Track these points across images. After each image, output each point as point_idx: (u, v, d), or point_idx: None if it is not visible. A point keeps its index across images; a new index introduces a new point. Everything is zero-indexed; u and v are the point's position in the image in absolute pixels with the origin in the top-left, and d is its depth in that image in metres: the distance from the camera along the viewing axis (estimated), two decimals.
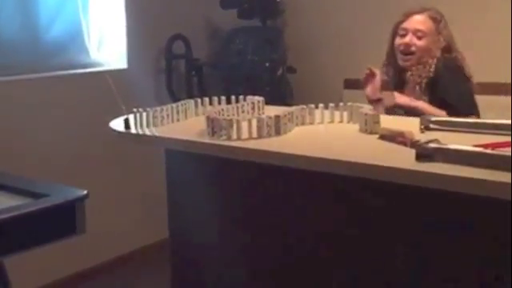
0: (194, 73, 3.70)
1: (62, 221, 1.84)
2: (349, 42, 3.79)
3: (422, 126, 1.82)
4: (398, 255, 1.68)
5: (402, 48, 2.49)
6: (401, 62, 2.52)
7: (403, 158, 1.54)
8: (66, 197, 1.87)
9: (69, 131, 3.15)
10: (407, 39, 2.46)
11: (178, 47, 3.63)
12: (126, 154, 3.24)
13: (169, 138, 1.91)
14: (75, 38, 3.32)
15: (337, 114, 2.08)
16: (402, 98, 2.39)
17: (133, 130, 1.99)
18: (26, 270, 2.28)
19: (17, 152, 2.89)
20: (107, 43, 3.46)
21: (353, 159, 1.55)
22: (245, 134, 1.82)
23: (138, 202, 3.46)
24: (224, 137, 1.81)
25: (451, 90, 2.42)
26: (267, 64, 3.60)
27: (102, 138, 3.16)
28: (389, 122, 1.88)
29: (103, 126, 3.03)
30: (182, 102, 2.17)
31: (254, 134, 1.82)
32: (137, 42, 3.47)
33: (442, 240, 1.59)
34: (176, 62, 3.67)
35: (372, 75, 2.46)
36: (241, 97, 2.21)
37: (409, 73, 2.49)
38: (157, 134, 1.95)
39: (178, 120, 2.11)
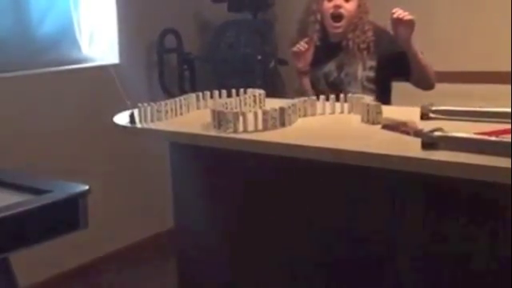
0: (185, 67, 3.71)
1: (65, 216, 1.85)
2: None
3: (426, 115, 1.87)
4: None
5: (332, 11, 2.51)
6: (331, 30, 2.54)
7: (409, 147, 1.59)
8: (68, 192, 1.88)
9: (63, 127, 3.14)
10: (337, 1, 2.50)
11: (170, 41, 3.63)
12: (123, 148, 3.25)
13: (177, 132, 1.94)
14: (67, 34, 3.31)
15: (337, 105, 2.12)
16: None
17: (138, 125, 2.00)
18: (28, 263, 2.28)
19: (12, 149, 2.89)
20: (99, 38, 3.46)
21: (361, 149, 1.58)
22: (250, 127, 1.85)
23: (136, 195, 3.48)
24: (230, 129, 1.84)
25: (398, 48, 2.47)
26: (259, 57, 3.62)
27: (97, 133, 3.20)
28: (390, 112, 1.93)
29: (98, 121, 3.06)
30: (185, 96, 2.19)
31: (260, 126, 1.85)
32: (128, 36, 3.47)
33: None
34: (168, 56, 3.67)
35: (308, 49, 2.49)
36: (241, 90, 2.24)
37: (350, 42, 2.51)
38: (166, 128, 1.97)
39: (181, 114, 2.13)
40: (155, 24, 3.54)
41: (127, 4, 3.44)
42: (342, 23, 2.50)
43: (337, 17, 2.50)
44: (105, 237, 3.20)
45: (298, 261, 1.96)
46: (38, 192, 1.87)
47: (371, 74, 2.50)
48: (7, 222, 1.69)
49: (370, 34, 2.51)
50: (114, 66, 3.35)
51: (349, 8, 2.50)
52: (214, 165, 2.08)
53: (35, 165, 2.83)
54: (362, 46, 2.48)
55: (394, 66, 2.48)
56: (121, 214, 3.38)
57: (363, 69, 2.51)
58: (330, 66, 2.58)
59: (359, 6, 2.52)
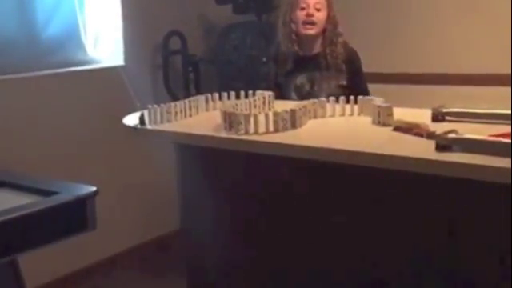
0: (190, 68, 3.70)
1: (73, 217, 1.85)
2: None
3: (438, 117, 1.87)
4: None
5: (304, 18, 2.58)
6: (304, 31, 2.59)
7: (422, 149, 1.59)
8: (76, 194, 1.88)
9: (68, 129, 3.14)
10: (310, 10, 2.57)
11: (174, 43, 3.63)
12: (126, 150, 3.24)
13: (189, 134, 1.93)
14: (72, 36, 3.30)
15: (347, 107, 2.12)
16: None
17: (148, 126, 2.00)
18: (36, 265, 2.28)
19: (16, 151, 2.88)
20: (104, 40, 3.45)
21: (376, 151, 1.58)
22: (261, 128, 1.84)
23: (142, 196, 3.48)
24: (242, 131, 1.83)
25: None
26: (264, 59, 3.61)
27: (103, 134, 3.19)
28: (400, 114, 1.92)
29: (104, 122, 3.05)
30: (194, 97, 2.19)
31: (271, 128, 1.85)
32: (133, 38, 3.47)
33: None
34: (172, 58, 3.67)
35: None
36: (250, 92, 2.24)
37: (328, 56, 2.57)
38: (177, 129, 1.96)
39: (190, 116, 2.12)
40: (160, 26, 3.54)
41: (132, 6, 3.43)
42: (314, 26, 2.58)
43: (309, 24, 2.57)
44: (112, 238, 3.19)
45: (307, 263, 1.95)
46: (45, 193, 1.87)
47: (341, 92, 2.53)
48: (15, 223, 1.68)
49: (339, 46, 2.58)
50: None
51: (320, 17, 2.58)
52: (222, 166, 2.07)
53: (42, 166, 2.82)
54: (333, 56, 2.57)
55: (358, 84, 2.58)
56: (127, 216, 3.38)
57: (337, 87, 2.57)
58: (302, 79, 2.63)
59: (327, 16, 2.59)
